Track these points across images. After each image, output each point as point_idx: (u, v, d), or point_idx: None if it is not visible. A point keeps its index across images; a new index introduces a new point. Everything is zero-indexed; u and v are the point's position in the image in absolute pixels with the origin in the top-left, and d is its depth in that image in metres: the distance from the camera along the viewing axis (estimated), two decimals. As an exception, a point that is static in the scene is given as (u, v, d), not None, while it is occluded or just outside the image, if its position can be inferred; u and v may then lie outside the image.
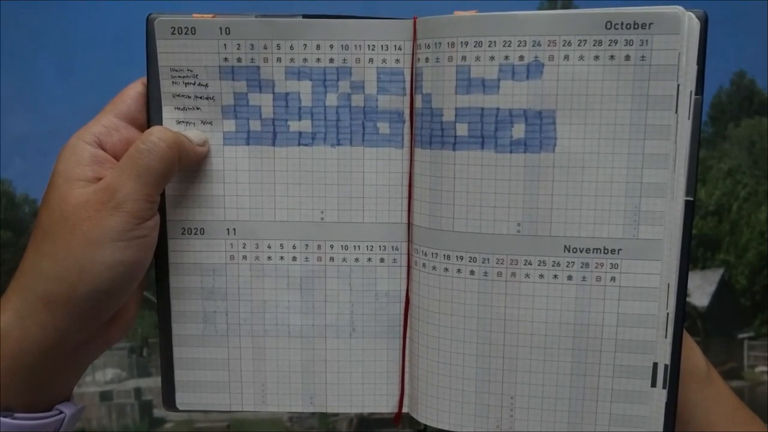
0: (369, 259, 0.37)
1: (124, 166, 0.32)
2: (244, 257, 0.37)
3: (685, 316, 0.34)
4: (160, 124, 0.36)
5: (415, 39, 0.35)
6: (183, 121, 0.36)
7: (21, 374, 0.31)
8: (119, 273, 0.32)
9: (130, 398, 0.75)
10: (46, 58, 0.69)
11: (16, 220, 0.72)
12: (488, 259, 0.35)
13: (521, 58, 0.33)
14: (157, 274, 0.37)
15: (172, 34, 0.35)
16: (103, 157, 0.33)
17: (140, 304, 0.36)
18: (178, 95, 0.36)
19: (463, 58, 0.33)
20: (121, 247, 0.32)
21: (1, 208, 0.71)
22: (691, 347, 0.37)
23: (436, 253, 0.35)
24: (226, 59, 0.35)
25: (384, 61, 0.35)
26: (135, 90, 0.36)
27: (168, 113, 0.36)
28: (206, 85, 0.36)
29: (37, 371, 0.32)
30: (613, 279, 0.34)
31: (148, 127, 0.36)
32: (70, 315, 0.31)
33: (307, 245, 0.37)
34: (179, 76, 0.36)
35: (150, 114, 0.36)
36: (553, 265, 0.34)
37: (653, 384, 0.34)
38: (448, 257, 0.35)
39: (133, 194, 0.32)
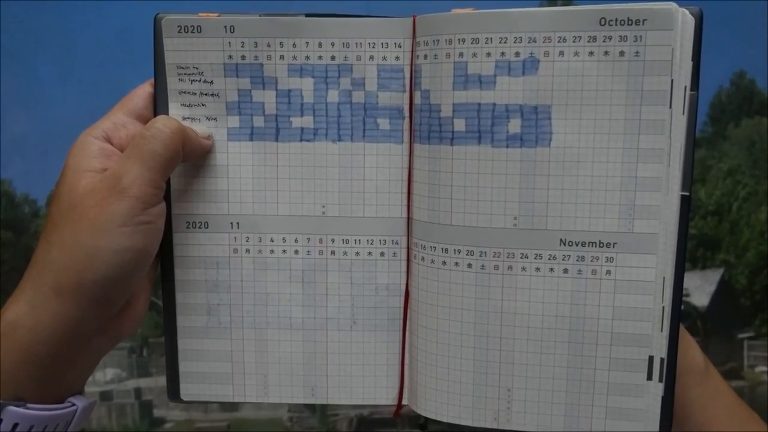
0: (369, 253, 0.37)
1: (130, 153, 0.33)
2: (248, 251, 0.37)
3: (681, 310, 0.34)
4: None
5: (414, 37, 0.35)
6: (189, 117, 0.37)
7: (33, 364, 0.32)
8: (126, 260, 0.32)
9: (130, 398, 0.76)
10: (46, 58, 0.69)
11: (16, 220, 0.72)
12: (485, 252, 0.35)
13: (517, 54, 0.33)
14: (162, 267, 0.38)
15: (179, 32, 0.36)
16: (111, 150, 0.34)
17: (150, 296, 0.37)
18: (184, 92, 0.36)
19: (461, 54, 0.34)
20: (127, 233, 0.32)
21: (1, 208, 0.72)
22: (689, 343, 0.37)
23: (435, 247, 0.36)
24: (230, 57, 0.36)
25: (384, 58, 0.36)
26: (144, 89, 0.37)
27: (174, 110, 0.37)
28: (211, 82, 0.36)
29: (49, 362, 0.32)
30: (608, 272, 0.34)
31: None
32: (80, 303, 0.32)
33: (308, 239, 0.37)
34: (185, 74, 0.36)
35: (157, 110, 0.37)
36: (549, 259, 0.35)
37: (649, 377, 0.34)
38: (446, 251, 0.36)
39: (138, 179, 0.32)
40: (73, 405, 0.34)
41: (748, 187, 0.74)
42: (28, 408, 0.32)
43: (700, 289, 0.76)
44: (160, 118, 0.34)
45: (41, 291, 0.32)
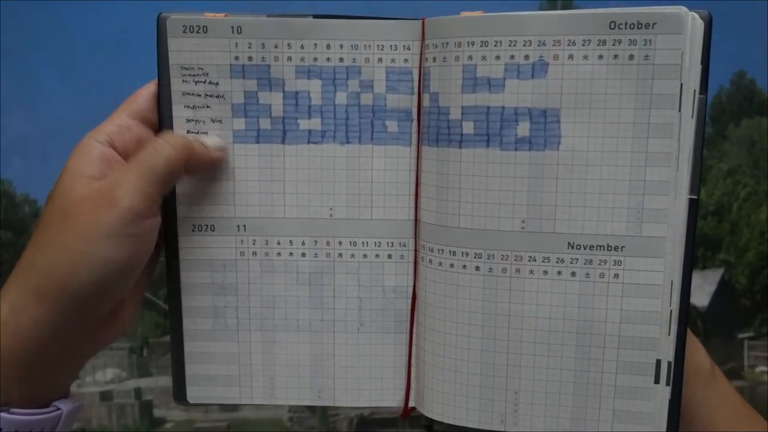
0: (377, 255, 0.37)
1: (131, 165, 0.33)
2: (254, 253, 0.37)
3: (689, 314, 0.34)
4: (171, 122, 0.36)
5: (423, 39, 0.35)
6: (193, 119, 0.36)
7: (17, 368, 0.31)
8: (110, 270, 0.32)
9: (130, 398, 0.75)
10: (46, 58, 0.69)
11: (16, 220, 0.72)
12: (493, 255, 0.35)
13: (526, 57, 0.33)
14: (167, 270, 0.38)
15: (184, 32, 0.35)
16: (112, 156, 0.34)
17: (140, 305, 0.37)
18: (189, 93, 0.36)
19: (470, 57, 0.34)
20: (115, 244, 0.32)
21: (1, 208, 0.71)
22: (695, 346, 0.37)
23: (442, 249, 0.36)
24: (237, 58, 0.36)
25: (393, 60, 0.36)
26: (148, 90, 0.36)
27: (178, 112, 0.36)
28: (217, 84, 0.36)
29: (32, 366, 0.32)
30: (616, 276, 0.34)
31: (159, 125, 0.36)
32: (63, 309, 0.31)
33: (316, 241, 0.37)
34: (190, 75, 0.36)
35: (161, 112, 0.36)
36: (556, 262, 0.35)
37: (656, 381, 0.34)
38: (454, 253, 0.36)
39: (132, 191, 0.32)
40: (58, 409, 0.33)
41: (748, 187, 0.74)
42: (11, 413, 0.31)
43: (700, 289, 0.76)
44: (167, 134, 0.34)
45: (23, 294, 0.32)
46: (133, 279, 0.34)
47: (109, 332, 0.35)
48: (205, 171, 0.36)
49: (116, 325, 0.35)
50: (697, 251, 0.75)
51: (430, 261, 0.36)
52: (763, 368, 0.76)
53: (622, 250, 0.34)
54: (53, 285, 0.31)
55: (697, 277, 0.75)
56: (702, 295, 0.75)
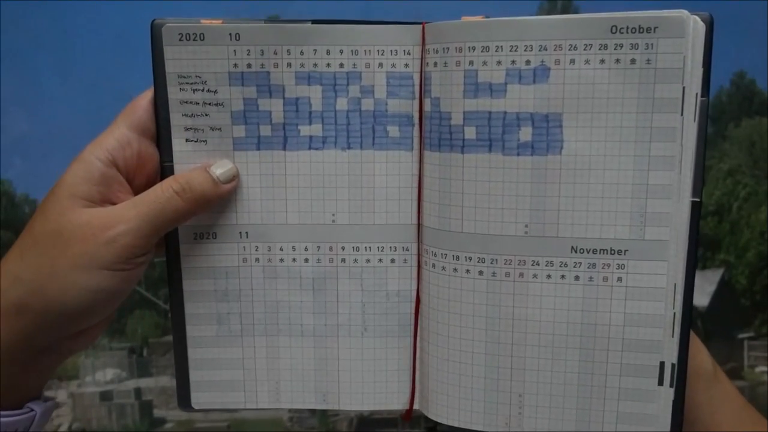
0: (380, 260, 0.37)
1: (136, 202, 0.33)
2: (257, 260, 0.37)
3: (692, 316, 0.34)
4: (169, 131, 0.36)
5: (423, 44, 0.35)
6: (192, 128, 0.36)
7: None
8: (98, 299, 0.32)
9: (130, 398, 0.76)
10: (46, 58, 0.69)
11: (16, 220, 0.72)
12: (496, 259, 0.35)
13: (528, 62, 0.33)
14: (169, 278, 0.38)
15: (180, 40, 0.35)
16: (113, 176, 0.34)
17: (112, 317, 0.36)
18: (186, 102, 0.36)
19: (471, 62, 0.34)
20: (106, 276, 0.32)
21: (1, 208, 0.71)
22: (697, 347, 0.37)
23: (446, 254, 0.36)
24: (235, 65, 0.35)
25: (393, 65, 0.36)
26: (146, 99, 0.35)
27: (176, 120, 0.36)
28: (215, 92, 0.36)
29: (5, 371, 0.32)
30: (619, 279, 0.34)
31: (157, 134, 0.36)
32: (40, 324, 0.32)
33: (318, 247, 0.37)
34: (187, 83, 0.35)
35: (158, 121, 0.36)
36: (560, 266, 0.35)
37: (660, 383, 0.34)
38: (457, 258, 0.36)
39: (132, 230, 0.32)
40: (32, 410, 0.34)
41: (748, 187, 0.74)
42: None
43: (700, 289, 0.76)
44: (182, 180, 0.34)
45: (3, 302, 0.32)
46: (118, 304, 0.34)
47: (76, 345, 0.35)
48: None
49: (84, 340, 0.35)
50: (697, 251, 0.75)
51: (434, 265, 0.36)
52: (763, 368, 0.76)
53: (625, 254, 0.34)
54: (37, 303, 0.32)
55: (697, 277, 0.74)
56: (702, 295, 0.75)
